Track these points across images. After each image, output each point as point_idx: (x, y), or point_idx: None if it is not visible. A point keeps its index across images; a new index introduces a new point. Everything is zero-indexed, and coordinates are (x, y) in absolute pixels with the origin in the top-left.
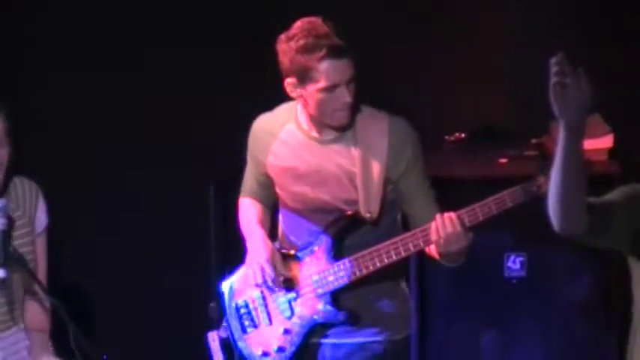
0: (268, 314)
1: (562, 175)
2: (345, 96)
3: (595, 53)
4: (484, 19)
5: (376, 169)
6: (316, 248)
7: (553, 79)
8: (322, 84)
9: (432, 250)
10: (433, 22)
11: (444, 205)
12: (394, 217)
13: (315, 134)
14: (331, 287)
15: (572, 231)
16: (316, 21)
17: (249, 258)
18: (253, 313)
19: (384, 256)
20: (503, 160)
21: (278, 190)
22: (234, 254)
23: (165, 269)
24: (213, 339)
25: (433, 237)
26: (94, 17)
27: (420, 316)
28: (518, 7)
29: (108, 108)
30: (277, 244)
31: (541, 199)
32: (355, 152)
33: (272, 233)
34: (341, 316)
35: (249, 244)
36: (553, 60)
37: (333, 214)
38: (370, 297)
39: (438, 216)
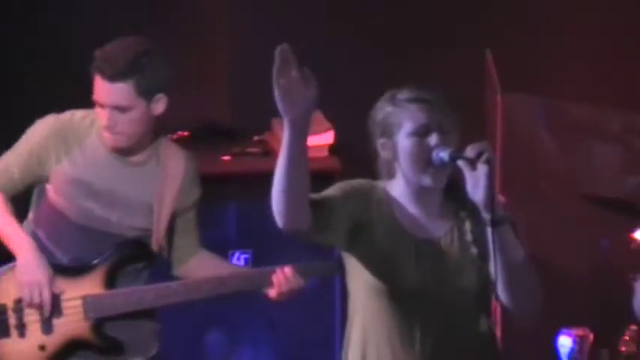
0: (23, 326)
1: (286, 172)
2: (102, 119)
3: (321, 50)
4: (205, 15)
5: (169, 202)
6: (93, 270)
7: (276, 75)
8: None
9: None
10: (153, 18)
11: None
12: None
13: (120, 154)
14: (106, 313)
15: (296, 227)
16: (121, 42)
17: (24, 273)
18: (8, 321)
19: (182, 294)
20: (227, 158)
21: (57, 198)
22: None
23: None
24: None
25: (275, 292)
26: None
27: None
28: (241, 3)
29: None
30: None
31: None
32: (155, 182)
33: None
34: (108, 343)
35: (18, 253)
36: (277, 52)
37: (114, 237)
38: (134, 325)
39: (278, 271)
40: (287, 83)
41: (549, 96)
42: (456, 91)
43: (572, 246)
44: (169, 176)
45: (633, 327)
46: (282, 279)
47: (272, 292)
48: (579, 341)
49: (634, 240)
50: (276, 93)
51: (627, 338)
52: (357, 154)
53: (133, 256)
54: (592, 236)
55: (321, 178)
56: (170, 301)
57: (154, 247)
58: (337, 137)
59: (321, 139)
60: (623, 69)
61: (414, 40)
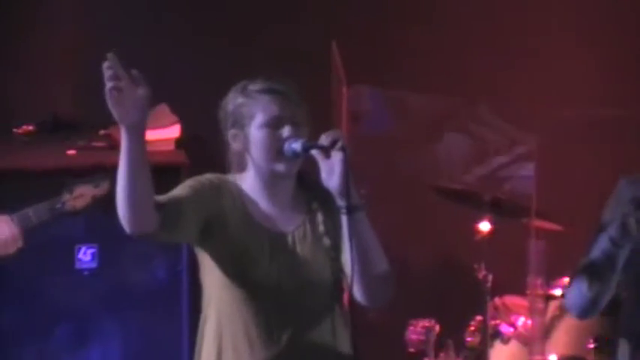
0: None
1: (127, 176)
2: None
3: (165, 44)
4: (49, 7)
5: None
6: None
7: (108, 85)
8: None
9: None
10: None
11: (16, 200)
12: None
13: None
14: None
15: (142, 230)
16: None
17: None
18: None
19: None
20: (72, 152)
21: None
22: None
23: None
24: None
25: None
26: None
27: None
28: None
29: None
30: None
31: (69, 215)
32: None
33: None
34: None
35: None
36: (105, 64)
37: None
38: None
39: None
40: (118, 93)
41: (395, 88)
42: (303, 81)
43: (418, 237)
44: None
45: (479, 317)
46: None
47: None
48: (426, 332)
49: (479, 231)
50: (109, 103)
51: (473, 328)
52: (204, 148)
53: None
54: (437, 227)
55: (168, 171)
56: None
57: None
58: (184, 130)
59: (168, 132)
60: (472, 62)
61: (260, 30)
